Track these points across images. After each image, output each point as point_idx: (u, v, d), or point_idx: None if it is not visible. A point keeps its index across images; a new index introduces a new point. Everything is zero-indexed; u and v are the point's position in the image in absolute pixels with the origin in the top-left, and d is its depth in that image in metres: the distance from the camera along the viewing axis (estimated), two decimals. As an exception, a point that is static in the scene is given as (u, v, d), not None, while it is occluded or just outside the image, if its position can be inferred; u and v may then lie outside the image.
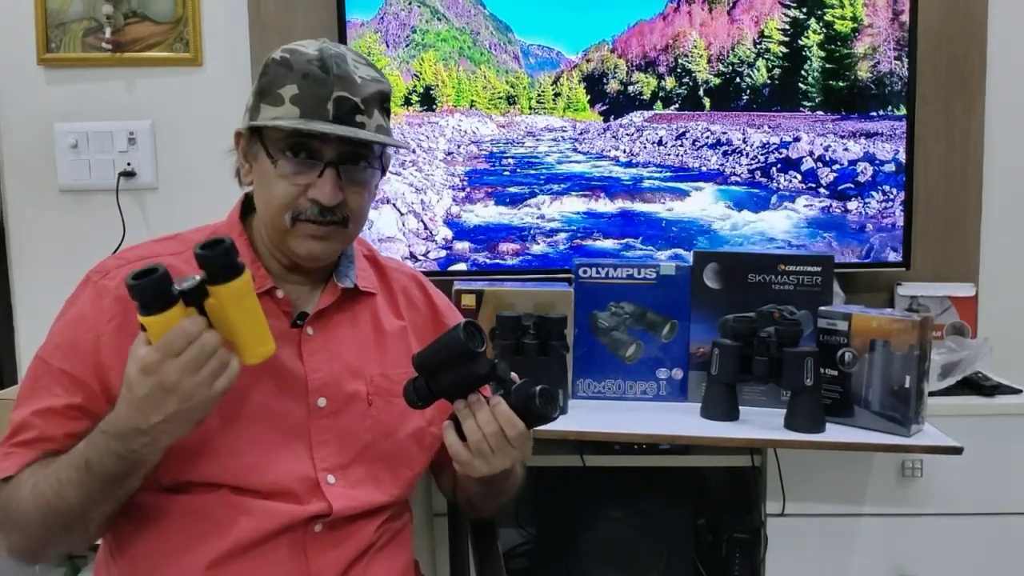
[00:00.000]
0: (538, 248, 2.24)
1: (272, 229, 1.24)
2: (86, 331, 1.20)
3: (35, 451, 1.18)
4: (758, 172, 2.24)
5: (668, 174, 2.25)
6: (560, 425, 1.80)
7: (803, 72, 2.20)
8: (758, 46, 2.20)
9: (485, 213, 2.25)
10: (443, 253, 2.24)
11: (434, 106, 2.23)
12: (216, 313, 1.04)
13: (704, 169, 2.25)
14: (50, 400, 1.19)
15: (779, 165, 2.23)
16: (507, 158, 2.25)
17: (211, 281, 1.02)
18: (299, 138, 1.19)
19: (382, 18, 2.23)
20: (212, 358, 1.03)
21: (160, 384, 1.02)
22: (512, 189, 2.25)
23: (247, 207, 1.31)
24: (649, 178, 2.25)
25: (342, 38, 2.17)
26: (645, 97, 2.24)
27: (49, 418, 1.18)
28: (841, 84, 2.20)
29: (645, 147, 2.25)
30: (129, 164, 2.34)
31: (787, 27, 2.20)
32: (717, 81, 2.22)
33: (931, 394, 1.83)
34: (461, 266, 2.24)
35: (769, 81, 2.21)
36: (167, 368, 1.01)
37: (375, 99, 1.21)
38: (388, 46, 2.22)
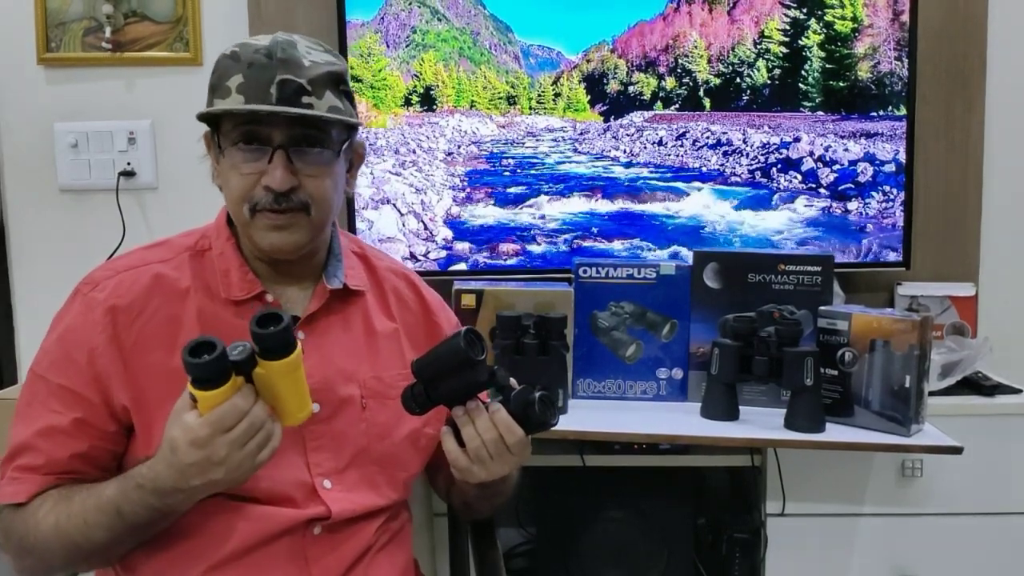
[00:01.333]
0: (538, 248, 2.24)
1: (238, 225, 1.24)
2: (79, 346, 1.20)
3: (44, 478, 1.18)
4: (758, 172, 2.24)
5: (668, 174, 2.25)
6: (560, 425, 1.77)
7: (803, 72, 2.20)
8: (758, 46, 2.20)
9: (485, 213, 2.25)
10: (443, 253, 2.24)
11: (434, 106, 2.23)
12: (264, 382, 1.05)
13: (704, 169, 2.25)
14: (51, 418, 1.18)
15: (779, 165, 2.23)
16: (507, 158, 2.25)
17: (264, 356, 1.04)
18: (247, 126, 1.17)
19: (382, 18, 2.23)
20: (260, 432, 1.05)
21: (208, 457, 1.03)
22: (512, 189, 2.25)
23: None
24: (649, 178, 2.25)
25: (342, 38, 2.17)
26: (645, 97, 2.24)
27: (53, 439, 1.18)
28: (841, 84, 2.20)
29: (645, 147, 2.25)
30: (129, 164, 2.34)
31: (787, 27, 2.20)
32: (717, 81, 2.22)
33: (931, 394, 1.83)
34: (461, 266, 2.24)
35: (769, 81, 2.21)
36: (217, 443, 1.03)
37: (324, 80, 1.18)
38: (388, 46, 2.22)
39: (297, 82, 1.16)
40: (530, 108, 2.24)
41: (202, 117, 1.20)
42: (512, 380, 1.20)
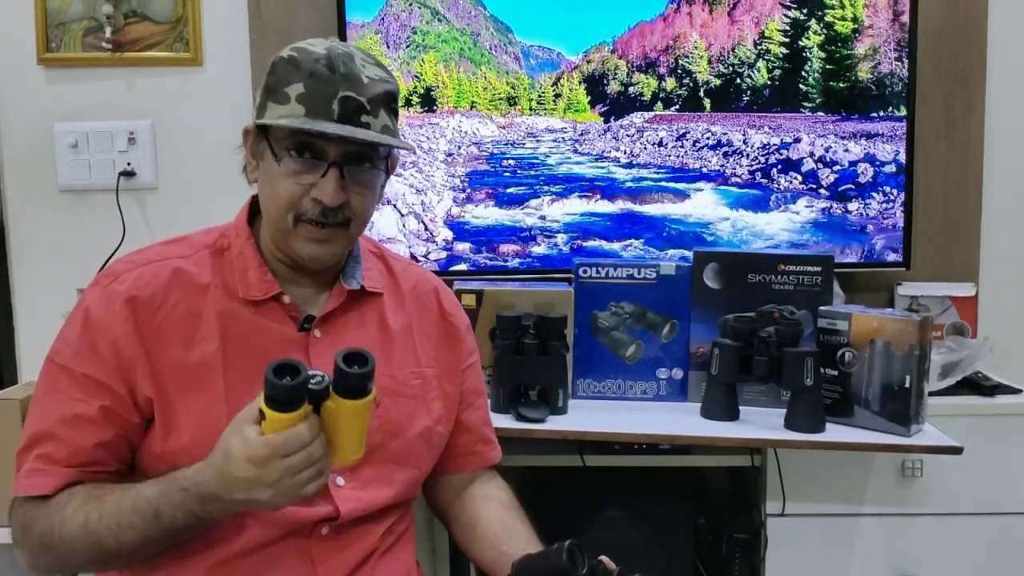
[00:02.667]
0: (539, 249, 2.24)
1: (275, 229, 1.24)
2: (103, 336, 1.19)
3: (67, 469, 1.18)
4: (759, 173, 2.24)
5: (668, 175, 2.25)
6: (560, 425, 1.81)
7: (803, 73, 2.20)
8: (758, 47, 2.21)
9: (486, 214, 2.25)
10: (444, 254, 2.24)
11: (435, 107, 2.23)
12: (330, 416, 1.06)
13: (705, 170, 2.25)
14: (76, 406, 1.18)
15: (780, 166, 2.23)
16: (507, 159, 2.25)
17: (339, 392, 1.04)
18: (304, 137, 1.18)
19: (383, 19, 2.23)
20: (314, 466, 1.05)
21: (259, 478, 1.04)
22: (512, 190, 2.25)
23: (254, 210, 1.31)
24: (650, 179, 2.25)
25: (342, 39, 2.17)
26: (645, 98, 2.24)
27: (79, 427, 1.18)
28: (841, 85, 2.20)
29: (646, 148, 2.25)
30: (129, 164, 2.34)
31: (787, 28, 2.20)
32: (717, 82, 2.22)
33: (931, 394, 1.83)
34: (462, 267, 2.24)
35: (769, 82, 2.21)
36: (273, 466, 1.03)
37: (381, 99, 1.20)
38: (388, 47, 2.22)
39: (358, 100, 1.17)
40: (530, 109, 2.24)
41: (260, 126, 1.21)
42: (605, 560, 1.22)
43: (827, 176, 2.23)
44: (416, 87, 2.22)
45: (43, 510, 1.17)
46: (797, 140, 2.22)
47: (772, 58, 2.20)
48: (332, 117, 1.16)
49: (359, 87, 1.17)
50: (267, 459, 1.03)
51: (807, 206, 2.23)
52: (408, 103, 2.22)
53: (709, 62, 2.22)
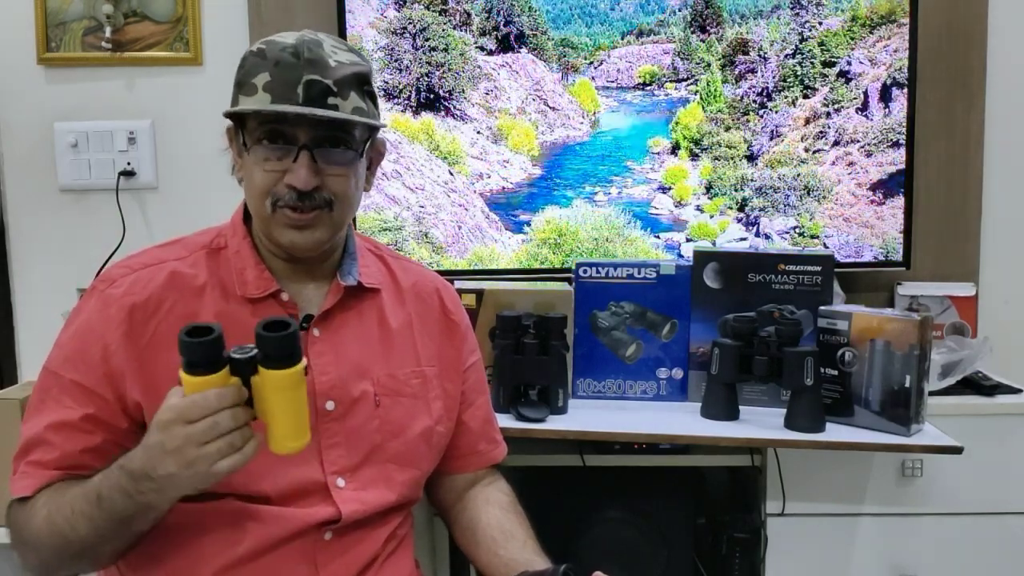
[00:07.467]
0: (539, 251, 2.24)
1: (257, 219, 1.24)
2: (94, 341, 1.20)
3: (52, 472, 1.18)
4: (759, 174, 2.24)
5: (669, 176, 2.25)
6: (560, 425, 1.81)
7: (803, 74, 2.20)
8: (759, 48, 2.20)
9: (486, 215, 2.25)
10: (443, 256, 2.24)
11: (435, 108, 2.23)
12: (259, 393, 1.01)
13: (704, 171, 2.24)
14: (62, 413, 1.19)
15: (779, 167, 2.23)
16: (507, 160, 2.25)
17: (263, 361, 1.00)
18: (273, 124, 1.18)
19: (383, 19, 2.22)
20: (221, 438, 1.01)
21: (162, 443, 1.02)
22: (512, 191, 2.25)
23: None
24: (650, 180, 2.25)
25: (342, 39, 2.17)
26: (647, 99, 2.24)
27: (65, 433, 1.18)
28: (841, 86, 2.20)
29: (647, 150, 2.25)
30: (129, 164, 2.34)
31: (788, 29, 2.20)
32: (718, 83, 2.22)
33: (931, 394, 1.83)
34: (463, 265, 2.24)
35: (770, 83, 2.21)
36: (174, 431, 1.01)
37: (350, 81, 1.19)
38: (389, 49, 2.22)
39: (323, 83, 1.16)
40: (534, 110, 2.24)
41: (228, 114, 1.21)
42: None
43: (828, 177, 2.22)
44: (418, 88, 2.22)
45: (23, 509, 1.19)
46: (797, 141, 2.22)
47: (772, 58, 2.20)
48: (297, 101, 1.15)
49: (325, 70, 1.17)
50: (170, 424, 1.01)
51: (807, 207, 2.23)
52: (409, 105, 2.22)
53: (709, 66, 2.22)
